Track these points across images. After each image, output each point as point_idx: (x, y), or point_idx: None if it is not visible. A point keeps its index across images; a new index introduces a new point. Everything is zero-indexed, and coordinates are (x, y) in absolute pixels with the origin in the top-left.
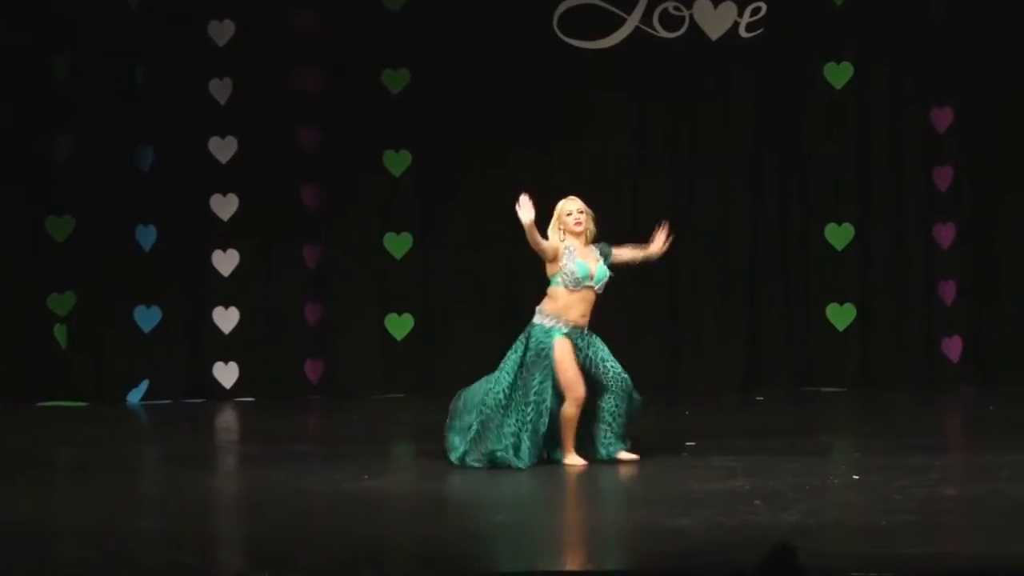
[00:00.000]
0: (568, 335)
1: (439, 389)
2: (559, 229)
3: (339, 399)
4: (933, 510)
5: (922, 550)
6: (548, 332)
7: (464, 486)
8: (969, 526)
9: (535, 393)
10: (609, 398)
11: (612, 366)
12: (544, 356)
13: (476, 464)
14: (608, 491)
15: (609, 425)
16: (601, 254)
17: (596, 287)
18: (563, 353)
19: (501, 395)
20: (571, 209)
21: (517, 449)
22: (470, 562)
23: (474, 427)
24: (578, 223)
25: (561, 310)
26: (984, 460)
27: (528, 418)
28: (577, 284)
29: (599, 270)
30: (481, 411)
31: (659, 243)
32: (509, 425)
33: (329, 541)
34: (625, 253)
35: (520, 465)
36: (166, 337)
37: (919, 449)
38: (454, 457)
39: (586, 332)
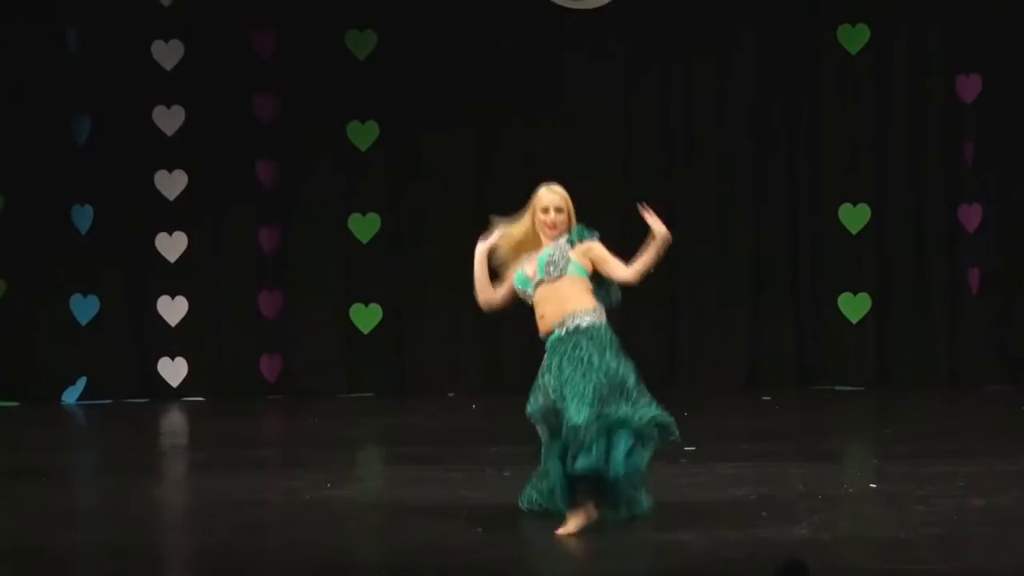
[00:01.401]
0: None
1: (410, 388)
2: (532, 222)
3: (299, 399)
4: (959, 522)
5: (947, 566)
6: None
7: (437, 495)
8: (998, 540)
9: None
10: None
11: (568, 400)
12: None
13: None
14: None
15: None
16: (568, 241)
17: (546, 279)
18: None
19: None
20: (548, 205)
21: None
22: None
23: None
24: (553, 226)
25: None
26: (1015, 467)
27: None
28: (527, 296)
29: (539, 260)
30: None
31: (656, 224)
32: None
33: (288, 556)
34: (609, 263)
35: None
36: (106, 329)
37: (942, 454)
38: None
39: (564, 336)
